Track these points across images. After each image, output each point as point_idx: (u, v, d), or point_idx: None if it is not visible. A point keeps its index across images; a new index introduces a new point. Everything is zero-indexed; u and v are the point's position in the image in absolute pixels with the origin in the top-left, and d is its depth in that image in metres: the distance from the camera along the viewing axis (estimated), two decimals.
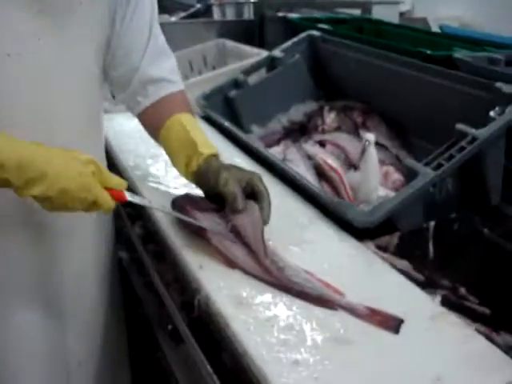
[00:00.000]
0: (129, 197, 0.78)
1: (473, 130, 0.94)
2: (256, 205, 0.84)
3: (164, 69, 0.96)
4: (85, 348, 1.00)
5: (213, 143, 0.92)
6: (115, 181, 0.77)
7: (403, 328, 0.69)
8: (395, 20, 2.73)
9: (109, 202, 0.74)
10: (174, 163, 0.94)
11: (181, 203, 0.91)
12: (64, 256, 0.92)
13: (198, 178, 0.89)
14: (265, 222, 0.84)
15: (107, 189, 0.75)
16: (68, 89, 0.83)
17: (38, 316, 0.90)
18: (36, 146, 0.69)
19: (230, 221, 0.84)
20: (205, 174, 0.87)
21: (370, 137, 1.00)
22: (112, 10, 0.87)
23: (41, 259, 0.89)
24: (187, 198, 0.93)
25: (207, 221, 0.85)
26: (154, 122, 0.96)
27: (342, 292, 0.74)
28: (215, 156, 0.90)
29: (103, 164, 0.96)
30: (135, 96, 0.96)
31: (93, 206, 0.73)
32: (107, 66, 0.94)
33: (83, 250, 0.96)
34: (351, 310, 0.72)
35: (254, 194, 0.86)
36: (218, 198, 0.86)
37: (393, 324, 0.69)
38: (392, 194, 1.00)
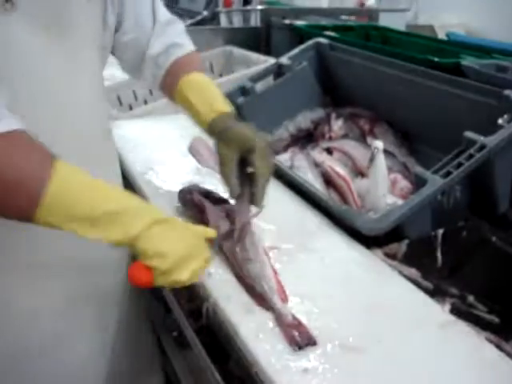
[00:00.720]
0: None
1: (481, 138, 0.94)
2: (246, 194, 0.83)
3: (170, 35, 0.96)
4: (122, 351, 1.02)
5: (223, 100, 0.90)
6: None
7: (414, 336, 0.69)
8: (401, 27, 2.74)
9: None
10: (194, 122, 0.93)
11: (189, 188, 0.99)
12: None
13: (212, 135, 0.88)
14: (256, 203, 0.82)
15: None
16: (80, 98, 0.82)
17: (91, 317, 0.93)
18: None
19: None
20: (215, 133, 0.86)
21: (379, 144, 1.00)
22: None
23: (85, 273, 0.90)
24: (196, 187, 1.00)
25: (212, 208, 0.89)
26: (169, 89, 0.96)
27: (286, 299, 0.74)
28: (224, 114, 0.87)
29: (117, 171, 0.99)
30: (152, 72, 0.97)
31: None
32: (117, 53, 0.96)
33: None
34: (278, 316, 0.71)
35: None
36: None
37: (300, 341, 0.67)
38: (399, 201, 1.00)
